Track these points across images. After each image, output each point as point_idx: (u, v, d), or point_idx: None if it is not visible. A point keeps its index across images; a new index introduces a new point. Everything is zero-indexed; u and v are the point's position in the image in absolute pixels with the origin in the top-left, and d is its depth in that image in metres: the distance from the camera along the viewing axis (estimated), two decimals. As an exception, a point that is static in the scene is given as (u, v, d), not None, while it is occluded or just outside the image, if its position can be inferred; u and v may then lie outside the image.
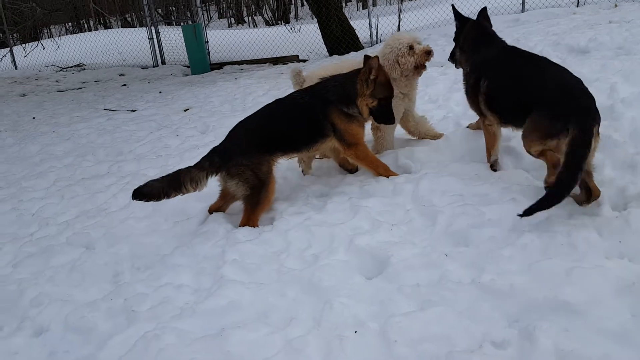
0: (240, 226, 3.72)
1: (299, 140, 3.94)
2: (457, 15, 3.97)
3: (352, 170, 4.40)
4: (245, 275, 3.05)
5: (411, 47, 4.16)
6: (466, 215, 3.29)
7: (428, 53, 4.18)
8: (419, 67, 4.24)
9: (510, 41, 4.04)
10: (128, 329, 2.75)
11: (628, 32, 7.07)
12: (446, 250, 3.02)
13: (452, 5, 4.16)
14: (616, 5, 10.76)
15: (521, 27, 9.92)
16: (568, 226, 2.95)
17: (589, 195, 3.15)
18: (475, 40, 3.83)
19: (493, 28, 3.95)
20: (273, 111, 4.03)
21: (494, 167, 3.88)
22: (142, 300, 2.97)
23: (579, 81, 3.29)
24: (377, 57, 3.89)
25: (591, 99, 3.14)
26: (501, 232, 3.07)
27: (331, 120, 3.90)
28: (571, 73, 3.36)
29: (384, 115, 4.00)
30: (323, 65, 4.80)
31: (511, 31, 9.38)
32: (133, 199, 3.69)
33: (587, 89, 3.22)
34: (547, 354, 2.17)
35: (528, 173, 3.74)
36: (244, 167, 3.73)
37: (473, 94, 3.76)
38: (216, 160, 3.77)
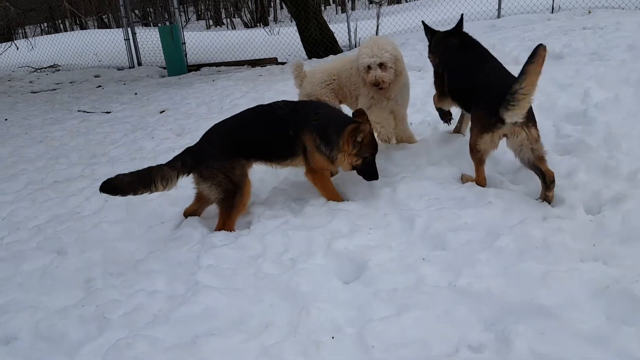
0: (216, 230, 3.67)
1: (270, 150, 3.87)
2: (427, 29, 4.49)
3: None
4: (220, 280, 3.00)
5: (369, 68, 4.16)
6: (443, 219, 3.29)
7: (374, 84, 4.20)
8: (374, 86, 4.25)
9: (486, 47, 4.07)
10: (100, 337, 2.67)
11: (601, 38, 7.21)
12: (423, 254, 3.02)
13: (423, 22, 4.60)
14: (590, 12, 10.97)
15: (497, 32, 10.04)
16: (543, 229, 2.97)
17: (544, 177, 3.37)
18: (440, 44, 4.30)
19: (465, 31, 4.20)
20: (249, 116, 3.97)
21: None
22: (114, 307, 2.90)
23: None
24: (368, 122, 3.71)
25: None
26: (477, 235, 3.08)
27: (303, 141, 3.80)
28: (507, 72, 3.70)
29: (368, 172, 3.83)
30: (325, 62, 4.80)
31: (487, 37, 9.46)
32: (100, 191, 3.55)
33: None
34: (523, 358, 2.18)
35: (503, 177, 3.76)
36: (216, 170, 3.67)
37: (440, 85, 4.26)
38: (188, 161, 3.71)
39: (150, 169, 3.65)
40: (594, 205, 3.28)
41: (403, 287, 2.76)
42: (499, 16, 12.64)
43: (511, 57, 7.12)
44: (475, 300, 2.55)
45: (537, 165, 3.38)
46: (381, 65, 4.12)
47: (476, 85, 3.65)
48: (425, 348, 2.34)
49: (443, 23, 13.49)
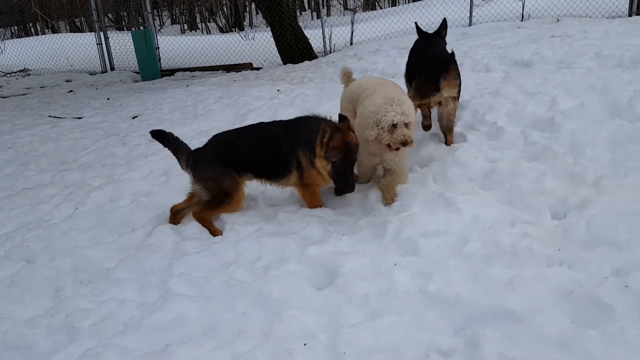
0: (193, 215, 3.83)
1: (263, 168, 3.95)
2: (418, 31, 5.10)
3: None
4: (192, 288, 2.99)
5: (394, 126, 3.68)
6: (414, 225, 3.34)
7: (402, 144, 3.69)
8: (390, 147, 3.78)
9: (458, 54, 4.20)
10: (69, 346, 2.64)
11: (569, 46, 7.39)
12: (395, 260, 3.05)
13: (415, 23, 5.31)
14: (558, 20, 11.23)
15: (469, 40, 10.20)
16: (511, 235, 3.04)
17: (446, 142, 4.59)
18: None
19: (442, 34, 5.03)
20: (247, 132, 4.10)
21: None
22: (84, 316, 2.86)
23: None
24: (329, 124, 3.69)
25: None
26: (448, 241, 3.13)
27: (298, 157, 3.83)
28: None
29: (339, 180, 3.75)
30: (370, 79, 4.63)
31: (459, 44, 9.62)
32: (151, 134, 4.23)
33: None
34: (491, 361, 2.22)
35: (473, 182, 3.83)
36: (207, 176, 3.89)
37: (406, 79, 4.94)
38: (190, 161, 3.97)
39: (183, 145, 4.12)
40: (560, 211, 3.36)
41: (375, 293, 2.78)
42: (470, 24, 12.85)
43: (482, 64, 7.26)
44: (445, 305, 2.60)
45: (447, 133, 4.56)
46: (406, 125, 3.70)
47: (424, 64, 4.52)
48: (397, 354, 2.37)
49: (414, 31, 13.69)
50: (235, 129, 4.29)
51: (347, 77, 4.85)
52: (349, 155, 3.71)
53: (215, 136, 4.19)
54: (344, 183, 3.75)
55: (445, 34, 5.13)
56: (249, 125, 4.20)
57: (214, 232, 3.74)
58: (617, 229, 2.94)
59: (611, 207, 3.17)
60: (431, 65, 4.38)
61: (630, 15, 11.04)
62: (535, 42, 8.28)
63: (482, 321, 2.45)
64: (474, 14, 13.09)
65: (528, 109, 4.77)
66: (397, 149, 3.74)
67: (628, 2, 11.37)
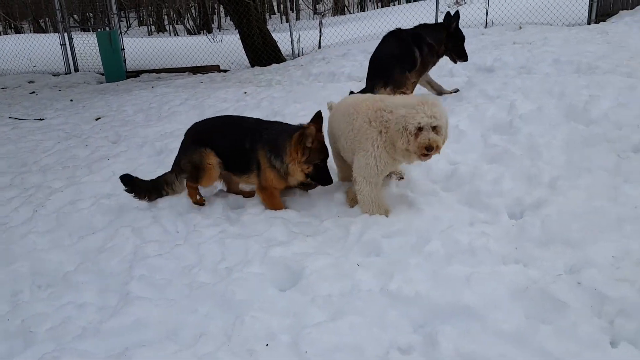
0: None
1: (230, 161, 4.04)
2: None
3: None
4: (153, 291, 2.96)
5: (420, 129, 3.27)
6: (377, 225, 3.38)
7: (427, 148, 3.27)
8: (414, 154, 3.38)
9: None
10: (25, 352, 2.59)
11: (530, 52, 7.61)
12: (358, 260, 3.08)
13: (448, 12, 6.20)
14: (520, 28, 11.53)
15: (435, 44, 10.36)
16: (469, 234, 3.11)
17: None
18: None
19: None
20: (221, 124, 4.24)
21: None
22: (41, 321, 2.81)
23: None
24: (313, 126, 3.70)
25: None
26: (409, 241, 3.18)
27: (257, 157, 3.89)
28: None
29: (321, 178, 3.85)
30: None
31: (425, 48, 9.78)
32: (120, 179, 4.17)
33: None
34: (448, 357, 2.27)
35: (435, 184, 3.90)
36: (182, 157, 4.17)
37: None
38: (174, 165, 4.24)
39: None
40: (517, 211, 3.46)
41: (338, 293, 2.81)
42: (436, 30, 13.06)
43: (446, 69, 7.41)
44: (405, 303, 2.64)
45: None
46: (434, 129, 3.27)
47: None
48: (358, 352, 2.39)
49: (384, 35, 13.84)
50: (211, 118, 4.44)
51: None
52: (327, 155, 3.85)
53: (194, 124, 4.36)
54: (326, 179, 3.87)
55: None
56: (224, 117, 4.38)
57: (198, 203, 4.13)
58: (571, 228, 3.04)
59: (565, 207, 3.28)
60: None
61: (589, 23, 11.42)
62: (498, 48, 8.49)
63: (441, 318, 2.50)
64: (439, 19, 13.32)
65: (488, 113, 4.89)
66: (425, 155, 3.31)
67: (587, 10, 11.75)
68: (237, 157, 3.98)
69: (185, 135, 4.28)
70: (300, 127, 3.76)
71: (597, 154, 3.89)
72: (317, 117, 3.77)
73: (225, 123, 4.20)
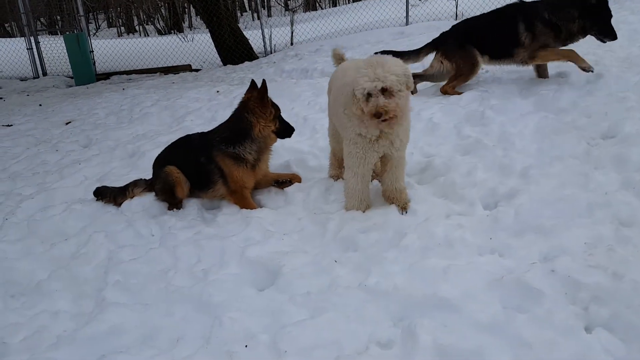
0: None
1: (192, 181, 4.06)
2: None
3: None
4: (129, 296, 2.91)
5: (369, 95, 3.06)
6: (354, 221, 3.38)
7: (376, 115, 3.07)
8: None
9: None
10: (-2, 364, 2.53)
11: (499, 43, 7.67)
12: (336, 256, 3.08)
13: None
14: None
15: (406, 39, 10.43)
16: (445, 226, 3.13)
17: None
18: None
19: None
20: (175, 144, 4.27)
21: None
22: (14, 331, 2.75)
23: None
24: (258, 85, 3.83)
25: None
26: (386, 235, 3.19)
27: (218, 164, 3.92)
28: None
29: (286, 128, 4.05)
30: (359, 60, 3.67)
31: (397, 43, 9.84)
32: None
33: None
34: (427, 349, 2.28)
35: (410, 178, 3.91)
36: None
37: None
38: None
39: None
40: (491, 202, 3.49)
41: (317, 290, 2.80)
42: (407, 23, 13.15)
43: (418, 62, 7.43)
44: (383, 297, 2.64)
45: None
46: (384, 91, 3.04)
47: None
48: (338, 348, 2.38)
49: (355, 30, 13.89)
50: (167, 147, 4.38)
51: (337, 57, 4.18)
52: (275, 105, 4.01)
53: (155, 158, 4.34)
54: (290, 127, 4.06)
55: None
56: (176, 141, 4.36)
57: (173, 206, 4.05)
58: (543, 216, 3.09)
59: (537, 195, 3.33)
60: None
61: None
62: (468, 40, 8.54)
63: (419, 311, 2.51)
64: (410, 13, 13.42)
65: (460, 104, 4.93)
66: (385, 120, 3.05)
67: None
68: (197, 173, 4.00)
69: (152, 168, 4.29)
70: (244, 104, 3.91)
71: (567, 142, 3.95)
72: (251, 85, 3.95)
73: (179, 145, 4.23)
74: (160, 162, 4.17)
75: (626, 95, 4.51)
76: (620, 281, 2.50)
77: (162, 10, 32.92)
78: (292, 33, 14.92)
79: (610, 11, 5.05)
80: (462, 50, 5.45)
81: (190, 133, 4.43)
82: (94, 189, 4.28)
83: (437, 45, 5.70)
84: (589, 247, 2.79)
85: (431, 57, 5.79)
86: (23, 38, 15.79)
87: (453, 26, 5.88)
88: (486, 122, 4.50)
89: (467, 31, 5.57)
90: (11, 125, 8.45)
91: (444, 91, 5.52)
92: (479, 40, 5.40)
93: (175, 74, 12.92)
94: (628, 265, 2.60)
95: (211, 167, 3.93)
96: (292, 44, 14.66)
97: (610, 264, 2.62)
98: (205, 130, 4.28)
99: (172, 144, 4.34)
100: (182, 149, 4.16)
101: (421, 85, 6.07)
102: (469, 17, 6.21)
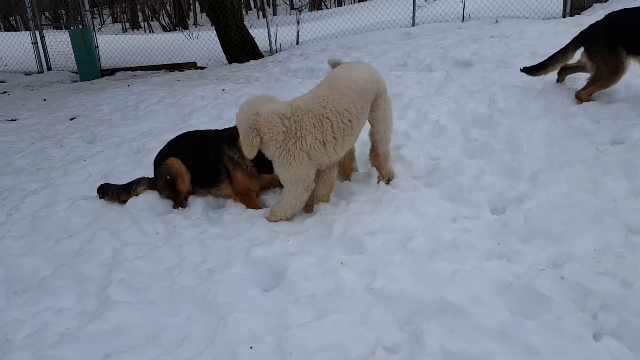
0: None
1: (198, 177, 4.07)
2: None
3: None
4: (133, 295, 2.89)
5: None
6: (360, 223, 3.36)
7: None
8: None
9: (401, 53, 4.24)
10: (1, 360, 2.51)
11: (507, 46, 7.65)
12: (342, 258, 3.05)
13: None
14: (497, 21, 11.61)
15: (412, 40, 10.40)
16: (452, 230, 3.11)
17: None
18: None
19: None
20: (185, 138, 4.25)
21: None
22: (18, 328, 2.74)
23: None
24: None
25: None
26: (392, 238, 3.16)
27: (224, 163, 3.93)
28: None
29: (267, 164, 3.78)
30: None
31: (403, 44, 9.81)
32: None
33: None
34: (434, 355, 2.26)
35: (417, 180, 3.89)
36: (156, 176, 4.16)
37: None
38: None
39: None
40: (499, 206, 3.46)
41: (322, 292, 2.78)
42: (413, 24, 13.11)
43: (424, 64, 7.42)
44: (390, 301, 2.62)
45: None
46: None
47: None
48: (343, 351, 2.36)
49: (361, 30, 13.86)
50: (174, 138, 4.36)
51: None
52: None
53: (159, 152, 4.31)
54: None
55: None
56: (184, 133, 4.35)
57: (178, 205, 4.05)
58: (552, 221, 3.06)
59: (546, 200, 3.30)
60: None
61: (564, 16, 11.55)
62: (475, 42, 8.52)
63: (426, 315, 2.49)
64: (417, 14, 13.37)
65: (468, 107, 4.90)
66: None
67: (562, 4, 11.90)
68: (205, 169, 4.00)
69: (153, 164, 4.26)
70: None
71: (576, 147, 3.92)
72: None
73: (187, 139, 4.23)
74: (162, 157, 4.15)
75: (636, 101, 4.48)
76: (629, 289, 2.49)
77: (167, 6, 32.89)
78: (297, 32, 14.89)
79: None
80: (607, 50, 4.61)
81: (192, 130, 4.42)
82: (98, 186, 4.26)
83: (583, 40, 4.96)
84: (598, 254, 2.76)
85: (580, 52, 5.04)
86: (28, 32, 15.78)
87: (607, 15, 4.92)
88: (494, 125, 4.47)
89: (618, 25, 4.65)
90: (15, 119, 8.45)
91: (577, 96, 4.79)
92: (632, 37, 4.50)
93: (180, 71, 12.91)
94: (637, 272, 2.58)
95: (219, 166, 3.94)
96: (297, 43, 14.63)
97: (619, 271, 2.60)
98: (212, 129, 4.27)
99: (177, 137, 4.32)
100: (189, 143, 4.16)
101: (421, 92, 5.91)
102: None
